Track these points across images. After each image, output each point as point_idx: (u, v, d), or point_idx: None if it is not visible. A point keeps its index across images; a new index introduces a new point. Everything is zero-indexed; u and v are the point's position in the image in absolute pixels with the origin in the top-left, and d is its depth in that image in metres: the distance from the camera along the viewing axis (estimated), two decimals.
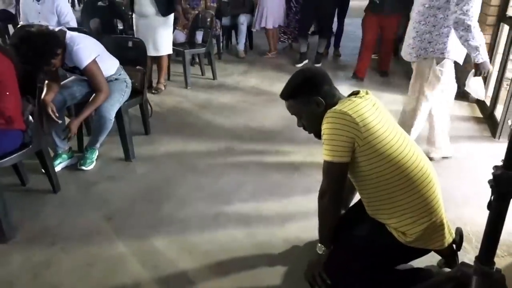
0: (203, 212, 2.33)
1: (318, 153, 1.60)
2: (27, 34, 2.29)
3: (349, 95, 1.64)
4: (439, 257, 1.87)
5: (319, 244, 1.67)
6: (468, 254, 1.96)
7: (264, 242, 2.09)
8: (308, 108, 1.62)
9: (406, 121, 2.72)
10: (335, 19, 5.48)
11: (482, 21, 3.46)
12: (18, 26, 3.72)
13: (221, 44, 5.71)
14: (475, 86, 2.55)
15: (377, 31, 4.54)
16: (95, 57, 2.56)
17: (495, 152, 2.94)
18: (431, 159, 2.85)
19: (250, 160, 2.90)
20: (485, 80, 3.14)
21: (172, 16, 4.11)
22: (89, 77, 2.60)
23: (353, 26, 6.42)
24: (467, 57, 2.55)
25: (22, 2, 3.74)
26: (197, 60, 5.00)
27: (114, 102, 2.68)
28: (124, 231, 2.16)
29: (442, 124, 2.78)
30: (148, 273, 1.88)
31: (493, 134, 3.27)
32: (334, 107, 1.54)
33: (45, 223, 2.21)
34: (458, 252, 1.78)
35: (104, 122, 2.64)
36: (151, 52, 3.94)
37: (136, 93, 2.97)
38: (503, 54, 3.44)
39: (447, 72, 2.55)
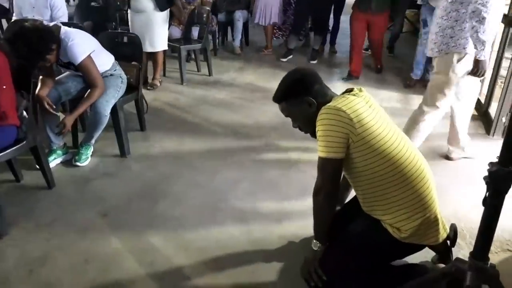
0: (199, 208, 2.32)
1: (314, 149, 1.60)
2: (21, 29, 2.27)
3: (343, 93, 1.64)
4: (433, 253, 1.89)
5: (314, 241, 1.68)
6: (462, 250, 1.98)
7: (260, 238, 2.09)
8: (301, 109, 1.64)
9: (418, 117, 2.67)
10: (331, 15, 5.48)
11: None
12: (12, 20, 3.69)
13: (217, 40, 5.69)
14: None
15: (365, 29, 4.45)
16: (90, 53, 2.54)
17: (490, 149, 2.96)
18: (450, 159, 2.86)
19: (246, 157, 2.90)
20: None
21: (168, 11, 4.10)
22: (84, 72, 2.58)
23: (349, 23, 6.40)
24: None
25: None
26: (192, 56, 4.98)
27: (110, 98, 2.66)
28: (119, 227, 2.15)
29: (464, 123, 2.75)
30: (144, 269, 1.88)
31: (488, 131, 3.30)
32: (328, 104, 1.55)
33: (40, 219, 2.20)
34: (453, 248, 1.79)
35: (99, 118, 2.63)
36: (147, 48, 3.92)
37: (132, 89, 2.96)
38: (498, 51, 3.46)
39: (468, 68, 2.48)
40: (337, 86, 4.30)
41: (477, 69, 2.39)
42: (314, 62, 5.22)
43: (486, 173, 1.26)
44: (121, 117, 2.80)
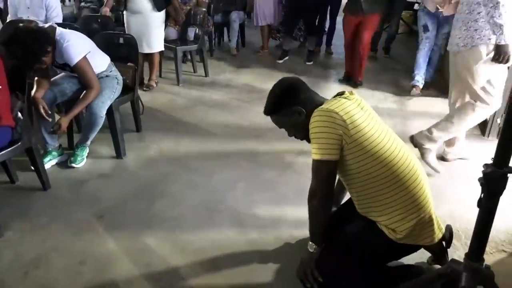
0: (195, 209, 2.32)
1: (310, 150, 1.60)
2: (16, 32, 2.26)
3: (335, 96, 1.65)
4: (429, 254, 1.90)
5: (310, 243, 1.68)
6: (457, 251, 1.99)
7: (256, 239, 2.09)
8: (291, 120, 1.66)
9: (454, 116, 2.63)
10: (328, 16, 5.49)
11: None
12: (7, 21, 3.67)
13: (213, 41, 5.68)
14: None
15: (355, 32, 4.37)
16: (86, 54, 2.53)
17: (485, 149, 2.98)
18: (446, 160, 2.86)
19: (243, 158, 2.89)
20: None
21: (164, 12, 4.09)
22: (79, 74, 2.57)
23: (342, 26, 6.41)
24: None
25: None
26: (189, 57, 4.97)
27: (105, 99, 2.65)
28: (115, 228, 2.14)
29: (465, 123, 2.67)
30: (140, 270, 1.88)
31: (483, 132, 3.31)
32: (321, 106, 1.55)
33: (36, 220, 2.19)
34: (448, 249, 1.80)
35: (95, 119, 2.62)
36: (144, 49, 3.92)
37: (127, 90, 2.95)
38: None
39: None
40: (332, 88, 4.31)
41: (499, 55, 2.34)
42: (310, 63, 5.22)
43: (481, 175, 1.27)
44: (117, 118, 2.79)
